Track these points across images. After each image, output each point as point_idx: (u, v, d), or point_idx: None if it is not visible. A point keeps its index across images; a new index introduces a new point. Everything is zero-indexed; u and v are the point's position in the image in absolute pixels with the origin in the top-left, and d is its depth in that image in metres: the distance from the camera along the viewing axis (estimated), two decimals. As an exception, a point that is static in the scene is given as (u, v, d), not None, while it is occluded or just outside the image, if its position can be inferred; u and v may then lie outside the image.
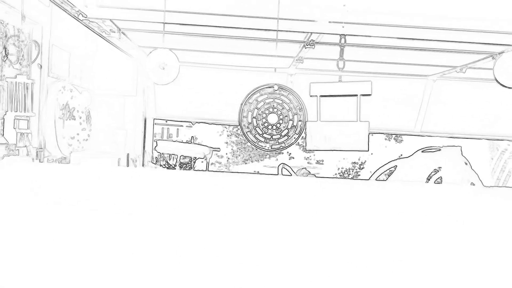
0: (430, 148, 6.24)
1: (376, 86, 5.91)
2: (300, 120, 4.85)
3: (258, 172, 6.34)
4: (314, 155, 5.27)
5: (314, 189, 3.73)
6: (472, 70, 5.86)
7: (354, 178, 6.14)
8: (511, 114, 6.39)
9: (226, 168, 5.87)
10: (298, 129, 4.93)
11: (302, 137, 5.30)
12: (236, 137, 6.02)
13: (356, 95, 4.16)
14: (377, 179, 6.16)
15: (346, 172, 7.08)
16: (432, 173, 6.06)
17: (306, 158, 6.11)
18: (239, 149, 6.03)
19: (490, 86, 6.28)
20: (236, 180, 3.73)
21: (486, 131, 6.52)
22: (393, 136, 6.67)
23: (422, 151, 6.18)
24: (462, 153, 6.18)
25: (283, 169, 5.20)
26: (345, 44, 4.10)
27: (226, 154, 5.87)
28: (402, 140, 6.82)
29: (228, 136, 5.93)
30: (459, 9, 4.33)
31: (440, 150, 6.24)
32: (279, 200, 3.47)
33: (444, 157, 6.24)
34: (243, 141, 5.72)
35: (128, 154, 4.30)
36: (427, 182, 6.00)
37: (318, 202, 3.51)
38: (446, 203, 3.70)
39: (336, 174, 6.96)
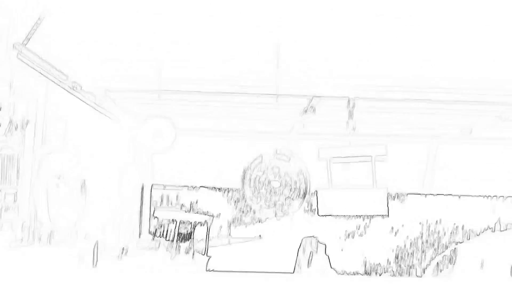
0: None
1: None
2: (301, 186, 4.64)
3: (260, 235, 6.08)
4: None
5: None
6: (478, 131, 5.72)
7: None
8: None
9: (228, 230, 5.63)
10: (301, 194, 4.73)
11: (307, 201, 5.05)
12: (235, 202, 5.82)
13: (370, 157, 3.97)
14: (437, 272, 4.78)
15: (350, 235, 6.81)
16: None
17: (309, 220, 5.85)
18: (240, 213, 5.82)
19: (496, 147, 6.13)
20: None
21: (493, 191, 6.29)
22: (397, 196, 6.44)
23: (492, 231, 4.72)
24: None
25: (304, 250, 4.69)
26: (354, 105, 3.98)
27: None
28: (404, 200, 6.60)
29: (228, 201, 5.75)
30: (464, 69, 4.26)
31: None
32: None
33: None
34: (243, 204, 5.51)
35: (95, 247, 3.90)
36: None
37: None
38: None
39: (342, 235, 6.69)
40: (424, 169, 6.27)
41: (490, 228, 5.03)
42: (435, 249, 5.59)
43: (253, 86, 3.75)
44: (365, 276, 4.95)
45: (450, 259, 4.89)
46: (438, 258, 4.79)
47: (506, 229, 4.90)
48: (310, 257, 4.52)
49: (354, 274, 4.78)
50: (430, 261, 4.83)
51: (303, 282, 4.31)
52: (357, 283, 3.43)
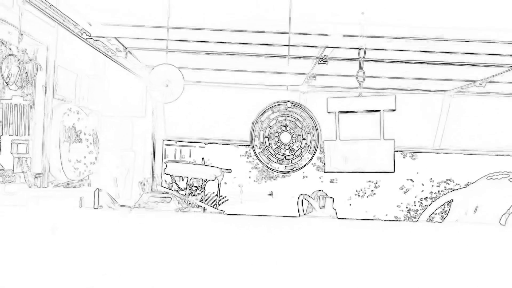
0: (497, 174, 4.93)
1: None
2: (313, 140, 4.63)
3: (271, 193, 6.14)
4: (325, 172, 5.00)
5: (357, 238, 3.03)
6: (492, 84, 5.62)
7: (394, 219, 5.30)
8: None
9: (240, 188, 5.69)
10: (312, 148, 4.73)
11: (317, 157, 5.07)
12: (247, 157, 5.84)
13: (379, 111, 3.90)
14: (430, 219, 5.08)
15: (361, 191, 6.84)
16: (508, 212, 4.44)
17: (320, 177, 5.88)
18: (252, 169, 5.86)
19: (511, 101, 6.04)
20: (250, 224, 3.20)
21: (507, 147, 6.23)
22: (409, 153, 6.41)
23: (487, 178, 4.90)
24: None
25: (304, 200, 4.78)
26: (364, 58, 3.91)
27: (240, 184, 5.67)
28: (416, 158, 6.57)
29: (240, 156, 5.77)
30: (478, 20, 4.12)
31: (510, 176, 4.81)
32: (306, 253, 2.87)
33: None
34: (256, 163, 5.53)
35: (96, 191, 3.96)
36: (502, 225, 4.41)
37: (366, 254, 2.84)
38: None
39: (353, 194, 6.72)
40: (435, 123, 6.22)
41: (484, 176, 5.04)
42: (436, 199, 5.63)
43: (265, 34, 3.67)
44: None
45: (446, 205, 5.02)
46: (438, 204, 4.90)
47: None
48: (317, 207, 4.56)
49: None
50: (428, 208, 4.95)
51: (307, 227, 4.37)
52: (358, 226, 3.43)
